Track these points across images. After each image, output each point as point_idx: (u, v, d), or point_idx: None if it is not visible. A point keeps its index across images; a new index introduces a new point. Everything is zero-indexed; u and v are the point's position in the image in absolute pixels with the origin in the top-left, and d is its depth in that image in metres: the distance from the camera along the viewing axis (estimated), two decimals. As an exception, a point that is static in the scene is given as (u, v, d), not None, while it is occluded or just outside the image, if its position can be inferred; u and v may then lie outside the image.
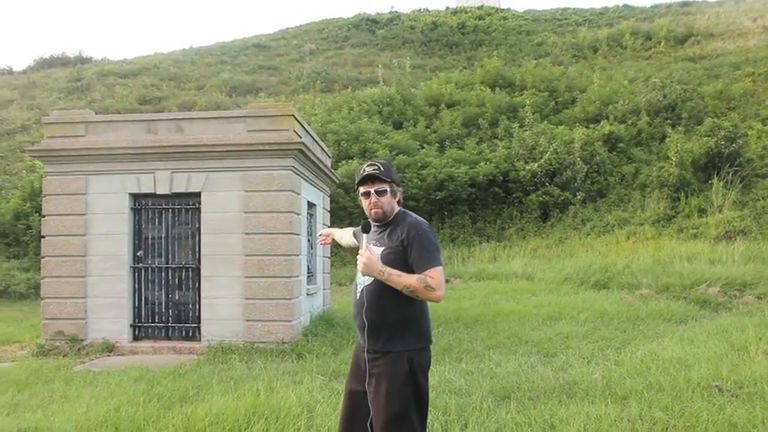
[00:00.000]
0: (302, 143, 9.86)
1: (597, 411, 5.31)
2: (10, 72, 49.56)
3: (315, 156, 10.90)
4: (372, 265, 3.36)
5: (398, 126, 27.25)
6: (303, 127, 10.64)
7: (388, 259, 3.43)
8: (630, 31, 42.04)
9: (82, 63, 47.70)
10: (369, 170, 3.54)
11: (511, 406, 5.71)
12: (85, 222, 10.14)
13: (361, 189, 3.58)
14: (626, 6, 55.89)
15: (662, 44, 39.53)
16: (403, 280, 3.32)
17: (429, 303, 3.54)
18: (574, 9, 56.88)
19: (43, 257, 10.29)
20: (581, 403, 5.69)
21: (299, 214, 10.28)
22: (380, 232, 3.59)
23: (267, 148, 9.73)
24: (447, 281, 18.10)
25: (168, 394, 6.77)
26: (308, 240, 11.59)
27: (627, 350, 7.88)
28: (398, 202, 3.64)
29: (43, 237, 10.33)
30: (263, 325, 9.69)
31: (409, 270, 3.39)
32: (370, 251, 3.43)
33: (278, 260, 9.72)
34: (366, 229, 3.54)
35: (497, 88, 30.18)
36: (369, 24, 51.27)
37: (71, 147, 10.13)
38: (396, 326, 3.43)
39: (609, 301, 12.30)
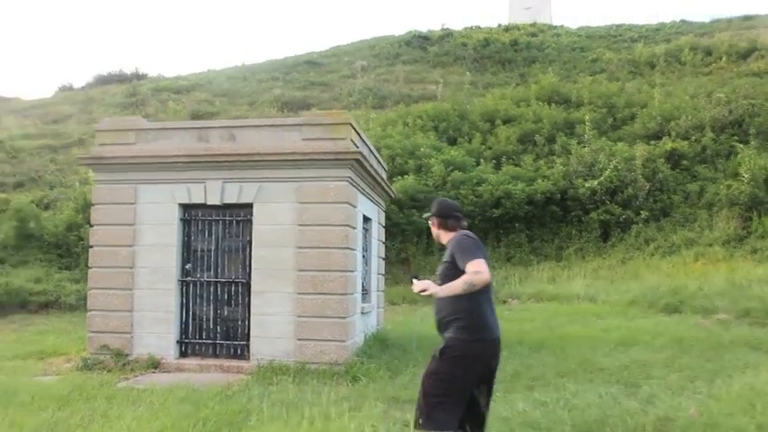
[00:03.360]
0: (359, 152, 9.35)
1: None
2: (70, 88, 50.72)
3: (371, 167, 10.37)
4: (429, 286, 4.29)
5: (453, 142, 26.61)
6: (360, 136, 10.14)
7: (444, 267, 4.46)
8: (689, 46, 40.63)
9: (138, 79, 48.47)
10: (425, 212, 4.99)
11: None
12: (134, 233, 9.79)
13: None
14: (683, 22, 54.33)
15: (723, 59, 38.04)
16: (458, 284, 4.17)
17: (480, 305, 4.36)
18: (629, 25, 55.50)
19: (90, 268, 9.98)
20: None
21: (354, 228, 9.74)
22: (446, 250, 4.57)
23: (323, 157, 9.24)
24: (504, 301, 17.34)
25: (215, 418, 6.25)
26: (363, 256, 11.04)
27: (719, 382, 7.07)
28: (454, 228, 4.67)
29: (91, 247, 10.02)
30: (315, 344, 9.14)
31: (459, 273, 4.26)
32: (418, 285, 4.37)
33: (332, 276, 9.18)
34: (414, 277, 4.50)
35: (553, 104, 29.33)
36: (420, 42, 50.88)
37: (121, 154, 9.83)
38: (447, 320, 4.38)
39: (684, 326, 11.44)
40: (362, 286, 10.91)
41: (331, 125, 9.45)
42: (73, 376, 8.82)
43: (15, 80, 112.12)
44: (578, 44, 48.51)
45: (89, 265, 10.03)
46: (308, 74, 44.53)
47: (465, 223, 4.78)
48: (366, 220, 11.24)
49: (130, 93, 41.06)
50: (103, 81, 50.18)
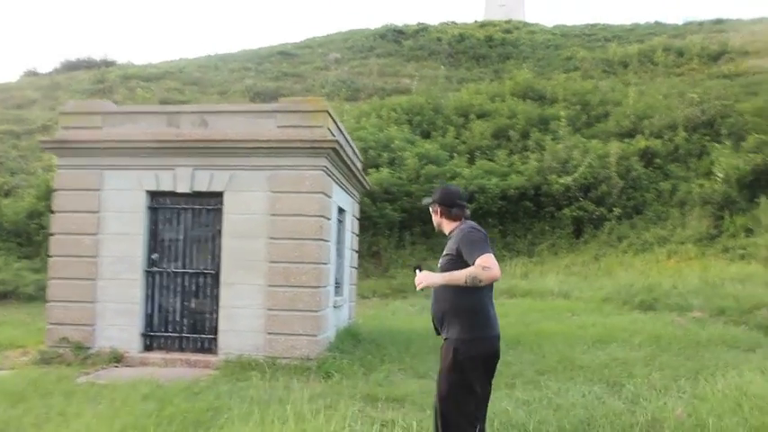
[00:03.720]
0: (336, 141, 9.03)
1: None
2: (35, 73, 49.45)
3: (348, 157, 10.05)
4: (428, 277, 4.17)
5: (427, 135, 26.41)
6: (336, 125, 9.81)
7: (446, 261, 4.20)
8: (662, 47, 40.93)
9: (106, 66, 47.39)
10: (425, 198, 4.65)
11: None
12: (98, 221, 9.34)
13: None
14: (657, 23, 54.76)
15: (695, 61, 38.42)
16: (459, 274, 3.94)
17: (483, 300, 4.11)
18: (603, 25, 55.78)
19: (51, 257, 9.51)
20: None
21: (329, 219, 9.42)
22: (449, 242, 4.32)
23: (298, 145, 8.89)
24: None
25: (181, 417, 5.91)
26: (337, 248, 10.72)
27: (703, 382, 6.90)
28: (458, 217, 4.39)
29: (52, 235, 9.55)
30: (286, 339, 8.81)
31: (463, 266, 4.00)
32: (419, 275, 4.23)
33: (305, 268, 8.86)
34: (417, 268, 4.35)
35: (528, 100, 29.26)
36: (395, 35, 50.52)
37: (86, 138, 9.37)
38: (449, 316, 4.11)
39: (660, 323, 11.34)
40: (335, 279, 10.60)
41: (307, 112, 9.11)
42: (29, 371, 8.37)
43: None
44: (552, 42, 48.64)
45: (50, 253, 9.56)
46: (280, 65, 43.96)
47: (468, 212, 4.49)
48: (341, 211, 10.92)
49: (98, 79, 40.10)
50: (70, 67, 49.01)
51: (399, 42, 48.88)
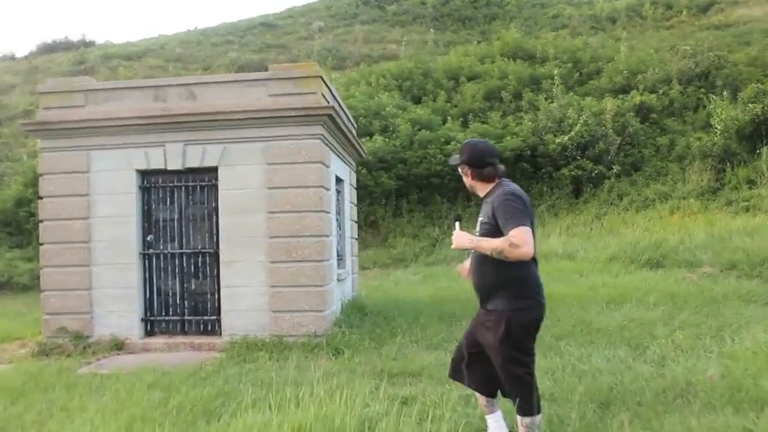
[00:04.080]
0: (332, 108, 8.63)
1: (742, 423, 4.11)
2: (12, 58, 48.53)
3: (344, 123, 9.66)
4: (459, 238, 3.89)
5: (418, 101, 25.92)
6: (330, 91, 9.40)
7: (484, 229, 3.89)
8: (650, 0, 40.46)
9: (85, 47, 46.50)
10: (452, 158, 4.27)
11: (622, 417, 4.50)
12: (88, 204, 8.95)
13: None
14: (642, -24, 54.11)
15: (684, 13, 37.94)
16: (489, 244, 3.72)
17: (530, 267, 3.86)
18: (588, -19, 55.13)
19: (42, 245, 9.13)
20: (712, 412, 4.48)
21: (328, 189, 9.07)
22: (484, 205, 3.99)
23: (293, 113, 8.49)
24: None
25: (190, 405, 5.60)
26: (337, 220, 10.38)
27: (729, 339, 6.65)
28: (492, 178, 3.99)
29: (41, 221, 9.16)
30: (291, 316, 8.51)
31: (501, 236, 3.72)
32: (459, 230, 3.95)
33: (307, 242, 8.52)
34: (457, 219, 4.14)
35: (518, 60, 28.73)
36: (378, 1, 49.66)
37: (70, 118, 8.94)
38: (495, 287, 3.86)
39: (672, 280, 11.10)
40: (337, 251, 10.28)
41: (300, 79, 8.69)
42: (28, 364, 8.05)
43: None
44: (538, 0, 47.93)
45: (40, 241, 9.18)
46: (263, 36, 43.18)
47: (503, 169, 4.08)
48: (338, 181, 10.57)
49: (78, 60, 39.29)
50: (48, 49, 48.06)
51: (383, 8, 48.07)
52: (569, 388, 5.31)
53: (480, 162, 4.00)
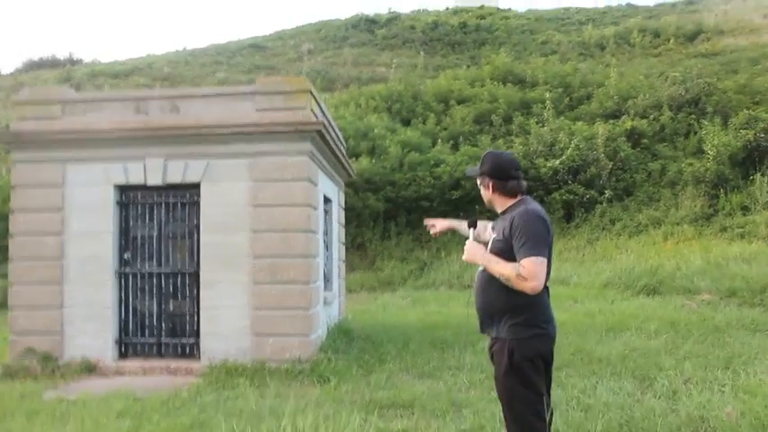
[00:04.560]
0: (321, 123, 8.25)
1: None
2: (-2, 74, 47.96)
3: (333, 140, 9.28)
4: (473, 251, 3.54)
5: (407, 123, 25.63)
6: (320, 107, 9.03)
7: (497, 247, 3.52)
8: (638, 28, 40.73)
9: (72, 65, 46.09)
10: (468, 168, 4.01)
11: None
12: (62, 219, 8.48)
13: None
14: (629, 5, 54.69)
15: (671, 41, 38.22)
16: (499, 267, 3.41)
17: (541, 294, 3.44)
18: (576, 8, 55.58)
19: (11, 261, 8.63)
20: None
21: (316, 209, 8.66)
22: (501, 221, 3.66)
23: (281, 129, 8.11)
24: (469, 286, 16.46)
25: (161, 436, 5.14)
26: (324, 241, 9.96)
27: (742, 372, 6.26)
28: (515, 193, 3.63)
29: (11, 236, 8.67)
30: (275, 340, 8.04)
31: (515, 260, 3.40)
32: (474, 240, 3.62)
33: (293, 263, 8.09)
34: (472, 224, 3.80)
35: (508, 84, 28.60)
36: (367, 24, 49.73)
37: (45, 129, 8.49)
38: (500, 313, 3.50)
39: (670, 308, 10.75)
40: (324, 274, 9.84)
41: (289, 93, 8.32)
42: (-10, 387, 7.51)
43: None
44: (527, 27, 48.21)
45: (10, 256, 8.69)
46: (252, 57, 42.98)
47: (525, 185, 3.73)
48: (326, 200, 10.16)
49: (64, 77, 38.77)
50: (35, 66, 47.66)
51: (372, 32, 48.16)
52: (576, 424, 4.91)
53: (504, 174, 3.64)
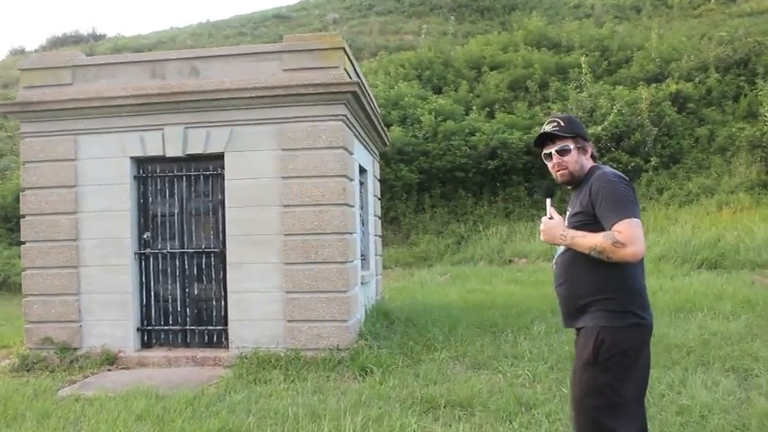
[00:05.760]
0: (357, 84, 7.38)
1: None
2: (22, 51, 47.76)
3: (369, 104, 8.41)
4: (551, 230, 3.04)
5: (438, 91, 24.68)
6: (354, 66, 8.16)
7: (576, 221, 3.01)
8: (676, -12, 38.98)
9: (95, 40, 45.64)
10: (547, 128, 3.18)
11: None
12: (76, 196, 7.76)
13: (543, 150, 3.21)
14: (667, -35, 52.56)
15: (712, 1, 36.51)
16: (587, 240, 2.88)
17: (636, 273, 2.93)
18: (609, -30, 53.60)
19: (24, 243, 7.96)
20: None
21: (352, 180, 7.82)
22: (576, 193, 3.15)
23: (311, 91, 7.25)
24: (510, 261, 15.63)
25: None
26: (360, 215, 9.15)
27: None
28: (592, 158, 3.23)
29: (23, 216, 7.99)
30: (310, 327, 7.28)
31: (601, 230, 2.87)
32: (552, 215, 3.06)
33: (328, 240, 7.28)
34: (549, 193, 3.21)
35: (543, 49, 27.39)
36: (393, -9, 48.44)
37: (54, 98, 7.73)
38: (590, 297, 2.96)
39: (738, 284, 9.82)
40: (360, 251, 9.05)
41: (319, 51, 7.45)
42: (3, 382, 6.87)
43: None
44: (559, -10, 46.57)
45: (22, 238, 8.02)
46: (277, 28, 41.95)
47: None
48: (362, 171, 9.33)
49: (87, 53, 37.87)
50: (58, 43, 47.20)
51: (398, -1, 46.83)
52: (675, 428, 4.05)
53: (587, 135, 3.26)
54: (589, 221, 2.94)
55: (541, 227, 3.08)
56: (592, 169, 3.14)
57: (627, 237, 2.75)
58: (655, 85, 22.54)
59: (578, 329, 3.04)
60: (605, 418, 2.87)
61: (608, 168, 3.11)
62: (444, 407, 5.18)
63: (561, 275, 3.10)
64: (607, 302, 2.90)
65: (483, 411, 5.00)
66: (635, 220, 2.80)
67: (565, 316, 3.11)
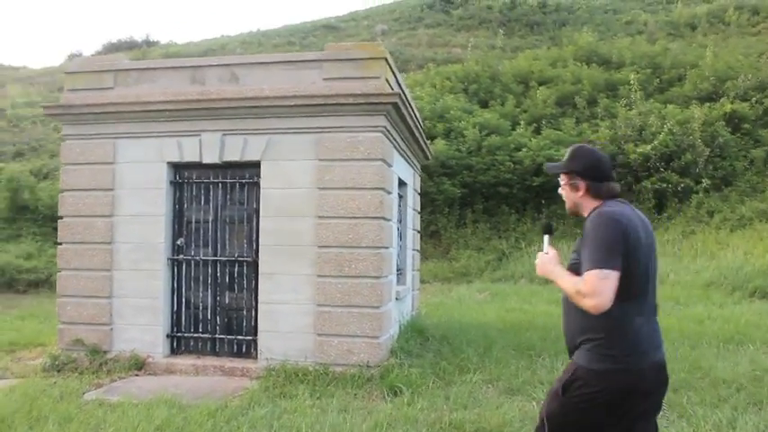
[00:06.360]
0: (398, 95, 7.21)
1: None
2: (79, 56, 49.05)
3: (410, 116, 8.23)
4: (544, 265, 3.03)
5: (484, 105, 24.38)
6: (396, 77, 7.99)
7: (572, 260, 2.93)
8: (734, 5, 37.94)
9: (148, 46, 46.63)
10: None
11: None
12: (112, 200, 7.76)
13: None
14: (723, -17, 51.34)
15: (772, 18, 35.46)
16: (563, 282, 2.87)
17: (629, 315, 2.79)
18: (664, -13, 52.57)
19: (60, 244, 7.98)
20: None
21: (390, 193, 7.64)
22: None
23: (351, 101, 7.10)
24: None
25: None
26: (398, 229, 8.96)
27: None
28: (600, 196, 2.98)
29: (60, 218, 8.02)
30: (340, 341, 7.10)
31: None
32: (548, 251, 3.07)
33: (363, 254, 7.11)
34: (547, 230, 3.25)
35: (593, 65, 26.86)
36: (443, 5, 48.27)
37: (95, 102, 7.76)
38: (579, 338, 2.91)
39: (795, 316, 9.29)
40: (396, 265, 8.85)
41: (361, 60, 7.31)
42: (33, 382, 6.86)
43: (25, 49, 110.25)
44: (611, 6, 45.91)
45: (58, 239, 8.05)
46: (325, 38, 42.14)
47: (618, 189, 3.07)
48: (401, 184, 9.15)
49: (139, 59, 39.01)
50: (113, 48, 48.37)
51: (448, 12, 46.72)
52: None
53: (601, 174, 3.04)
54: (579, 262, 2.84)
55: (537, 261, 3.08)
56: (600, 205, 2.98)
57: (589, 288, 2.68)
58: (708, 104, 21.87)
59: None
60: None
61: (607, 208, 2.91)
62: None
63: (563, 310, 3.08)
64: (592, 342, 2.85)
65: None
66: (604, 272, 2.67)
67: (568, 351, 3.06)
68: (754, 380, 6.19)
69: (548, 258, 3.01)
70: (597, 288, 2.65)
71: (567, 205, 3.15)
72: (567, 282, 2.83)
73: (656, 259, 2.96)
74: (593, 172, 3.03)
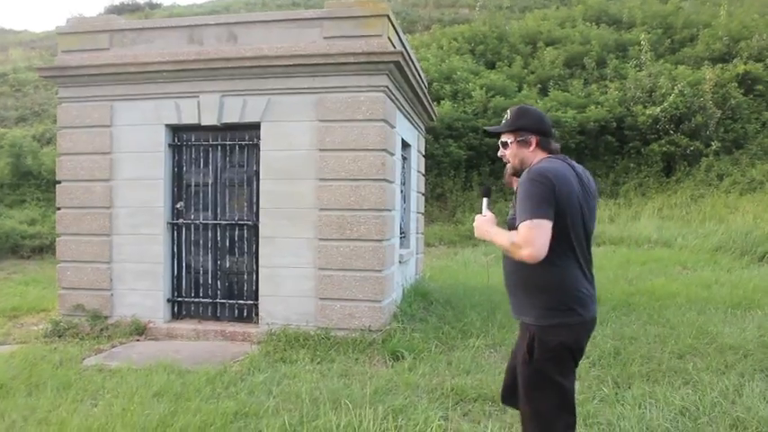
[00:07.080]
0: (400, 53, 7.00)
1: None
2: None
3: (413, 75, 8.02)
4: (480, 226, 3.06)
5: (491, 66, 23.98)
6: (398, 35, 7.77)
7: (510, 216, 3.03)
8: (751, -38, 37.02)
9: (151, 8, 46.00)
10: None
11: None
12: (110, 163, 7.64)
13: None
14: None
15: (788, -23, 34.55)
16: (498, 239, 2.91)
17: (570, 269, 2.86)
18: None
19: (59, 209, 7.89)
20: None
21: (392, 154, 7.47)
22: None
23: (351, 60, 6.91)
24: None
25: (198, 425, 4.23)
26: (401, 191, 8.82)
27: None
28: (545, 149, 3.05)
29: (58, 182, 7.91)
30: (342, 306, 7.02)
31: None
32: (486, 213, 3.11)
33: (365, 217, 6.98)
34: (485, 193, 3.29)
35: (602, 25, 26.35)
36: (450, -36, 47.44)
37: (91, 63, 7.59)
38: (524, 293, 2.98)
39: (804, 280, 9.15)
40: (400, 228, 8.73)
41: (362, 18, 7.08)
42: (33, 348, 6.81)
43: (26, 12, 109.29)
44: (622, -36, 44.85)
45: (57, 204, 7.95)
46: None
47: (558, 146, 3.13)
48: (404, 145, 8.97)
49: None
50: (115, 11, 47.61)
51: (456, -29, 45.81)
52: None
53: (547, 128, 3.11)
54: (515, 218, 2.87)
55: (474, 223, 3.09)
56: (532, 167, 2.96)
57: (523, 238, 2.72)
58: (721, 65, 21.44)
59: (521, 323, 3.03)
60: (548, 410, 2.89)
61: (542, 163, 2.93)
62: (475, 401, 4.87)
63: (505, 267, 3.11)
64: (535, 299, 2.91)
65: (516, 409, 4.65)
66: (535, 221, 2.72)
67: (511, 304, 3.11)
68: (762, 346, 6.07)
69: (484, 220, 3.04)
70: (529, 237, 2.70)
71: (513, 163, 3.13)
72: (503, 237, 2.86)
73: (593, 214, 3.00)
74: (541, 125, 3.08)
